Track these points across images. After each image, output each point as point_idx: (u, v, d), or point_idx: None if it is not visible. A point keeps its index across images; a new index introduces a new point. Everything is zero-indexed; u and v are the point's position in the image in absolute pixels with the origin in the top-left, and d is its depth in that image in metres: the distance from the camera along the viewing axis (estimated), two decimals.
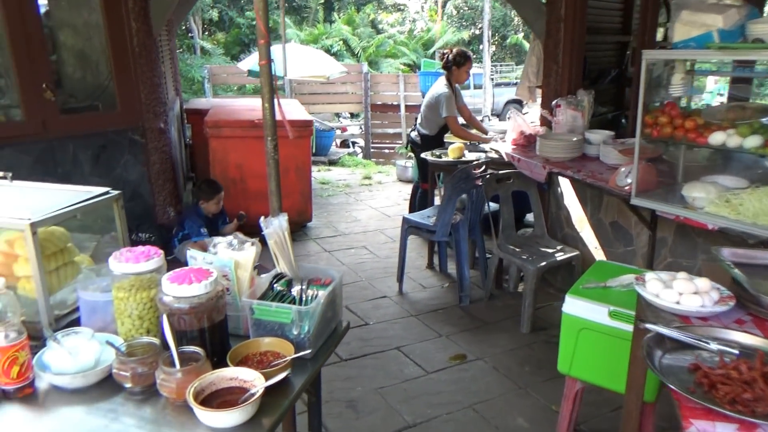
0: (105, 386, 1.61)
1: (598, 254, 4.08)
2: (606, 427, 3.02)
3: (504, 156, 4.15)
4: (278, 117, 2.54)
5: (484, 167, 4.33)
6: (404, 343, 3.82)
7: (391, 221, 6.56)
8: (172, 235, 5.01)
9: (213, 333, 1.68)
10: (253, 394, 1.48)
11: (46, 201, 1.93)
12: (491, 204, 4.45)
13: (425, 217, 4.62)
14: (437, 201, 5.30)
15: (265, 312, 1.75)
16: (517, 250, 4.15)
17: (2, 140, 4.39)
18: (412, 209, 6.17)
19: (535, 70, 4.61)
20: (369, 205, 7.24)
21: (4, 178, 2.16)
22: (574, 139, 3.82)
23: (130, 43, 4.84)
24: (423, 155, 5.08)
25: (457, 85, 5.40)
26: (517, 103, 15.61)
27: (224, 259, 1.78)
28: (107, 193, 2.04)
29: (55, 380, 1.57)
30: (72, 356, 1.59)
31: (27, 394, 1.56)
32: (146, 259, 1.69)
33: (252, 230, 5.59)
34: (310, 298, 1.83)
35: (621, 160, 3.41)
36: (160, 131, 5.24)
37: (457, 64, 5.16)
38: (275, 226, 1.91)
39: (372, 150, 12.23)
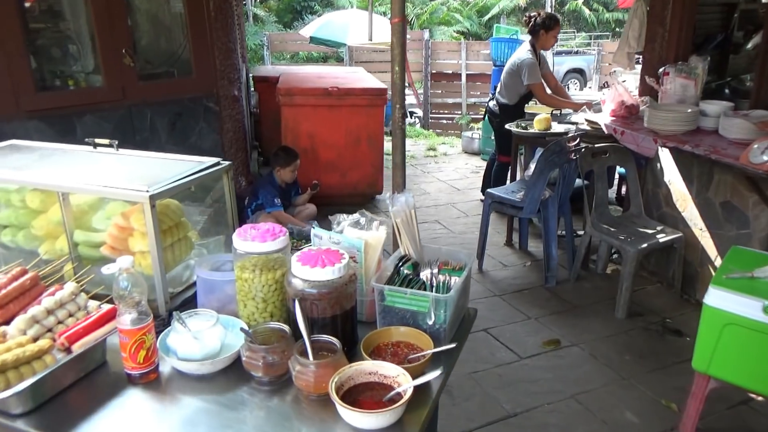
0: (230, 374, 1.50)
1: (704, 237, 3.76)
2: (723, 426, 2.78)
3: (604, 128, 3.85)
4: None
5: (578, 140, 4.04)
6: (492, 324, 3.64)
7: (462, 195, 6.34)
8: (244, 206, 4.94)
9: (344, 321, 1.53)
10: (399, 394, 1.33)
11: (158, 171, 1.81)
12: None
13: (510, 192, 4.38)
14: (518, 175, 5.03)
15: (399, 298, 1.59)
16: (612, 229, 3.88)
17: (83, 107, 4.37)
18: (486, 183, 5.92)
19: (637, 35, 4.23)
20: (437, 177, 7.02)
21: (110, 146, 2.06)
22: (689, 110, 3.48)
23: (206, 6, 4.71)
24: (507, 126, 4.81)
25: (542, 51, 5.07)
26: (578, 73, 14.92)
27: (353, 240, 1.62)
28: (218, 163, 1.90)
29: (181, 366, 1.46)
30: (197, 341, 1.48)
31: (151, 380, 1.46)
32: (273, 238, 1.54)
33: (322, 201, 5.47)
34: (442, 283, 1.66)
35: (748, 135, 3.07)
36: (233, 99, 5.14)
37: (546, 27, 4.83)
38: (402, 204, 1.73)
39: (431, 120, 11.91)
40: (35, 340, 1.41)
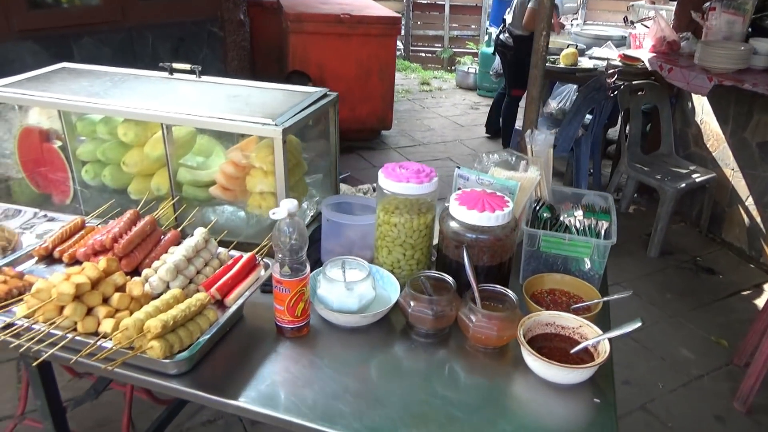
0: (383, 326, 1.39)
1: (735, 177, 3.79)
2: None
3: (647, 64, 3.74)
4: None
5: (615, 76, 3.94)
6: None
7: (467, 131, 6.21)
8: None
9: (502, 270, 1.43)
10: (588, 348, 1.25)
11: (267, 102, 1.62)
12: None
13: None
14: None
15: (556, 245, 1.49)
16: (646, 169, 3.86)
17: (80, 27, 3.95)
18: (494, 119, 5.80)
19: None
20: (438, 113, 6.84)
21: (192, 72, 1.82)
22: (742, 48, 3.40)
23: None
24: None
25: None
26: None
27: (506, 181, 1.49)
28: (326, 95, 1.71)
29: (339, 319, 1.33)
30: (351, 291, 1.35)
31: (303, 334, 1.33)
32: (428, 179, 1.40)
33: None
34: (588, 227, 1.56)
35: None
36: (239, 23, 4.76)
37: None
38: (542, 142, 1.60)
39: (410, 53, 11.52)
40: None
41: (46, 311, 1.13)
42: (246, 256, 1.37)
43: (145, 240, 1.38)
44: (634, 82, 3.88)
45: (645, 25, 4.21)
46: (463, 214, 1.35)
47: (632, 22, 4.36)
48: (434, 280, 1.39)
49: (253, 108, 1.58)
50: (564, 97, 5.04)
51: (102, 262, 1.20)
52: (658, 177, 3.73)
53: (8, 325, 1.15)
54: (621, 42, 5.43)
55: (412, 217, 1.41)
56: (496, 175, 1.53)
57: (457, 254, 1.37)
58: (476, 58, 9.45)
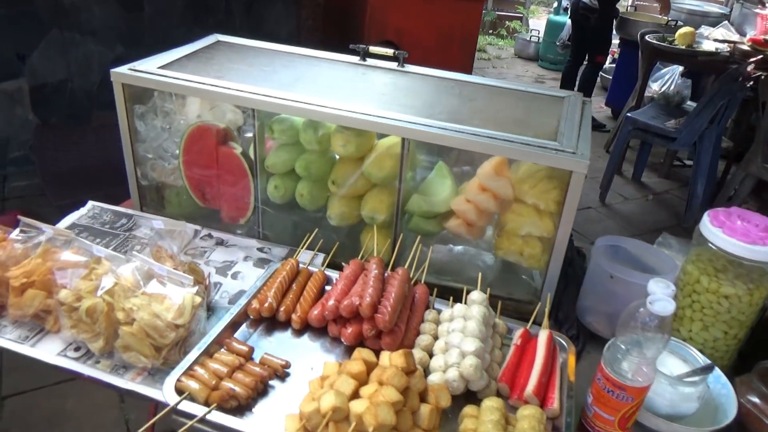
0: None
1: None
2: None
3: None
4: None
5: (753, 65, 3.50)
6: None
7: None
8: None
9: None
10: None
11: (511, 111, 1.23)
12: None
13: (650, 117, 3.86)
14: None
15: None
16: None
17: None
18: (568, 89, 5.35)
19: None
20: None
21: (395, 59, 1.42)
22: None
23: None
24: (649, 38, 4.17)
25: None
26: None
27: None
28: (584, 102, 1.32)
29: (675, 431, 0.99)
30: (685, 389, 1.00)
31: None
32: None
33: None
34: None
35: None
36: None
37: None
38: None
39: None
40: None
41: None
42: (544, 333, 1.01)
43: (403, 304, 1.02)
44: None
45: None
46: None
47: (762, 2, 3.89)
48: None
49: (505, 120, 1.19)
50: (667, 80, 4.59)
51: (398, 357, 0.84)
52: None
53: None
54: (720, 20, 4.96)
55: (751, 289, 1.05)
56: None
57: None
58: (522, 23, 8.89)
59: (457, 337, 0.96)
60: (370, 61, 1.46)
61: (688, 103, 4.74)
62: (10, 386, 2.13)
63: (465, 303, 1.07)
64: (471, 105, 1.26)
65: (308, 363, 0.99)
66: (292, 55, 1.50)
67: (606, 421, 0.94)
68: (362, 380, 0.84)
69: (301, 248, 1.24)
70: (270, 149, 1.31)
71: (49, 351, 1.02)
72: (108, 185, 3.45)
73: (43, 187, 3.30)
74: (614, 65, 5.86)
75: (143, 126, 1.35)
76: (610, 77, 5.81)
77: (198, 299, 0.99)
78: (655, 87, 4.58)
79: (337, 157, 1.31)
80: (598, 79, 5.51)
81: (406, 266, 1.14)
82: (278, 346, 1.03)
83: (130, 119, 1.32)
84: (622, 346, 0.91)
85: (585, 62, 5.23)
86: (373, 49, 1.44)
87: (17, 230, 1.08)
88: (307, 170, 1.26)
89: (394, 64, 1.45)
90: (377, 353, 0.91)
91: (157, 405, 1.06)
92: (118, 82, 1.27)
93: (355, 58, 1.47)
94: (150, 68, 1.28)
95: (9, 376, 2.18)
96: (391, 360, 0.85)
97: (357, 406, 0.77)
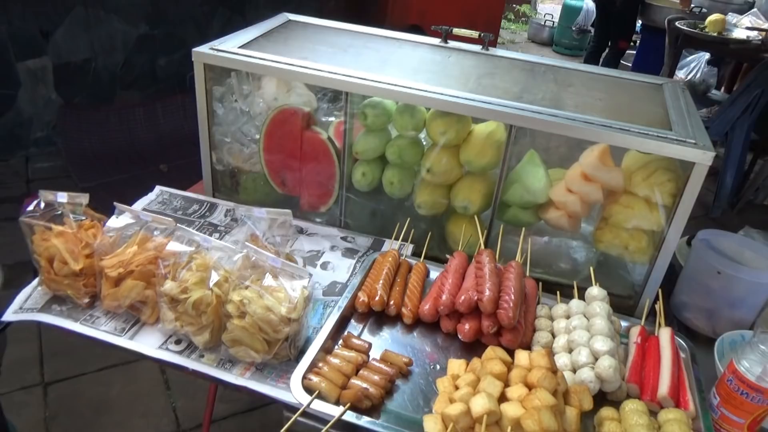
0: None
1: None
2: None
3: None
4: None
5: None
6: None
7: None
8: None
9: None
10: None
11: (614, 98, 1.18)
12: None
13: None
14: None
15: None
16: None
17: None
18: None
19: None
20: None
21: (480, 41, 1.36)
22: None
23: None
24: (675, 20, 4.10)
25: None
26: None
27: None
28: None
29: None
30: None
31: None
32: None
33: None
34: None
35: None
36: None
37: None
38: None
39: None
40: None
41: None
42: (666, 332, 0.97)
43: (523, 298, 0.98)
44: None
45: None
46: None
47: None
48: None
49: (609, 107, 1.14)
50: (693, 68, 4.54)
51: (542, 358, 0.80)
52: None
53: None
54: (742, 8, 4.89)
55: None
56: None
57: None
58: (531, 7, 8.77)
59: (582, 336, 0.92)
60: (451, 43, 1.40)
61: (713, 91, 4.70)
62: (51, 372, 2.09)
63: (577, 298, 1.03)
64: (569, 90, 1.20)
65: (422, 360, 0.95)
66: (370, 36, 1.44)
67: (735, 423, 0.91)
68: (504, 381, 0.80)
69: (393, 238, 1.19)
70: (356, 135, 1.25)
71: (149, 344, 0.98)
72: (133, 168, 3.39)
73: (68, 168, 3.23)
74: (634, 52, 5.80)
75: (221, 108, 1.29)
76: (629, 64, 5.75)
77: (307, 292, 0.94)
78: (680, 75, 4.52)
79: (425, 143, 1.26)
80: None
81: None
82: (389, 341, 0.98)
83: (209, 101, 1.26)
84: (762, 347, 0.87)
85: (607, 48, 5.17)
86: (456, 30, 1.38)
87: (112, 217, 1.02)
88: (399, 157, 1.20)
89: (477, 47, 1.39)
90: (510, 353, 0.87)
91: (216, 391, 0.98)
92: (200, 62, 1.21)
93: (434, 40, 1.41)
94: (231, 48, 1.22)
95: (49, 362, 2.13)
96: (532, 360, 0.81)
97: (510, 410, 0.73)
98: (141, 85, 3.63)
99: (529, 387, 0.78)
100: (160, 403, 2.05)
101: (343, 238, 1.28)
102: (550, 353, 0.82)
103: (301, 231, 1.30)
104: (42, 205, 1.01)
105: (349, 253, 1.23)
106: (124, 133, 3.52)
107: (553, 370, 0.80)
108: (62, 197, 1.01)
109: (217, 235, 1.25)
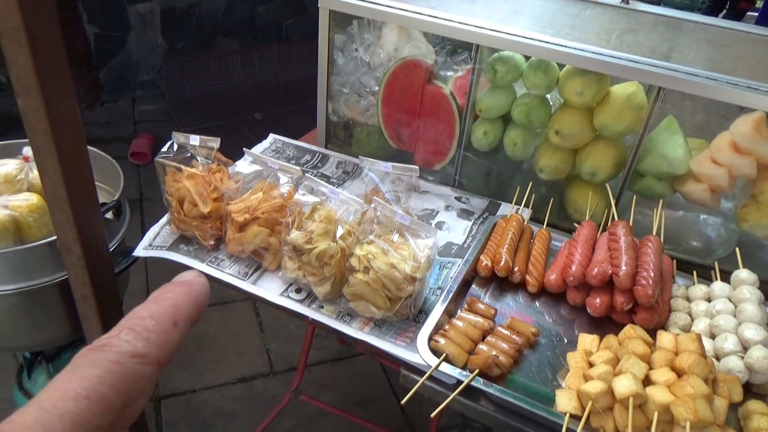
0: None
1: None
2: None
3: None
4: None
5: None
6: None
7: None
8: None
9: None
10: None
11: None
12: None
13: None
14: None
15: None
16: None
17: None
18: None
19: None
20: None
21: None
22: None
23: None
24: None
25: None
26: None
27: None
28: None
29: None
30: None
31: None
32: None
33: None
34: None
35: None
36: None
37: None
38: None
39: None
40: None
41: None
42: None
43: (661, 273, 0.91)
44: None
45: None
46: None
47: None
48: None
49: None
50: None
51: (691, 342, 0.74)
52: None
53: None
54: None
55: None
56: None
57: None
58: None
59: (728, 321, 0.85)
60: None
61: None
62: None
63: (719, 280, 0.95)
64: (727, 52, 1.09)
65: (547, 330, 0.91)
66: None
67: None
68: (647, 362, 0.75)
69: (513, 203, 1.15)
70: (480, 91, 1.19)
71: (271, 291, 0.99)
72: (229, 115, 3.47)
73: (171, 111, 3.35)
74: (755, 14, 5.26)
75: (341, 58, 1.26)
76: None
77: (432, 252, 0.92)
78: None
79: (552, 103, 1.19)
80: None
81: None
82: (513, 309, 0.95)
83: (330, 50, 1.23)
84: None
85: (725, 9, 4.71)
86: None
87: (239, 162, 1.03)
88: (527, 117, 1.14)
89: (616, 1, 1.28)
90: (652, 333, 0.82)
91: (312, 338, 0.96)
92: (325, 8, 1.18)
93: None
94: None
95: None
96: (679, 344, 0.75)
97: (658, 395, 0.69)
98: (239, 33, 3.68)
99: (677, 372, 0.72)
100: (255, 344, 2.15)
101: (458, 198, 1.24)
102: (700, 337, 0.76)
103: (412, 188, 1.27)
104: (175, 147, 1.03)
105: (464, 214, 1.19)
106: (222, 80, 3.60)
107: (704, 355, 0.74)
108: (194, 140, 1.03)
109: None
